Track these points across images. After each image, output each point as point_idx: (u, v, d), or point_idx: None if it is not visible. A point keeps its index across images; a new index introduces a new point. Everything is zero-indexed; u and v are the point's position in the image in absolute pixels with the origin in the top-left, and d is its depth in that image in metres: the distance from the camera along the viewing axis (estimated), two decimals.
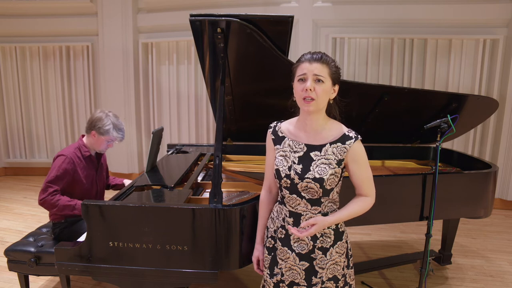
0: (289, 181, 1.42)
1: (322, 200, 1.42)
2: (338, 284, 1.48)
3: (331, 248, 1.45)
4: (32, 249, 2.27)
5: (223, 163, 2.86)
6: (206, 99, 5.16)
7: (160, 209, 1.76)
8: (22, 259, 2.25)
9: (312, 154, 1.42)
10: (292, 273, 1.47)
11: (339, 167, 1.40)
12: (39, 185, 5.30)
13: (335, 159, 1.40)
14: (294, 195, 1.43)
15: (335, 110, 1.48)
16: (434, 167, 2.22)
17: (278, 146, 1.49)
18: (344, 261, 1.50)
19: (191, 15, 1.92)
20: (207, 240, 1.74)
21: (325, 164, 1.39)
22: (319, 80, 1.34)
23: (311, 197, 1.41)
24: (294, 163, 1.42)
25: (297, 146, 1.44)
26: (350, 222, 1.61)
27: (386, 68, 4.61)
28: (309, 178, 1.38)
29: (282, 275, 1.49)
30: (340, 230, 1.48)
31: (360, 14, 4.49)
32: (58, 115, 5.67)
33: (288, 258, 1.47)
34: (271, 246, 1.54)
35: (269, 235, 1.56)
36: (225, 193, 2.23)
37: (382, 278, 2.81)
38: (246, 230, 1.80)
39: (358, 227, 3.55)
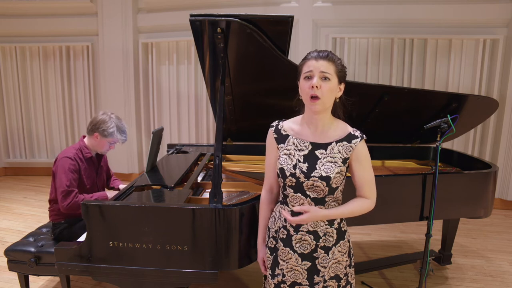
0: (294, 180, 1.41)
1: (327, 199, 1.41)
2: (340, 283, 1.48)
3: (334, 247, 1.45)
4: (32, 249, 2.26)
5: (223, 163, 2.86)
6: (206, 99, 5.16)
7: (160, 209, 1.76)
8: (22, 259, 2.25)
9: (317, 152, 1.41)
10: (294, 273, 1.47)
11: (344, 165, 1.41)
12: (39, 185, 5.31)
13: (340, 157, 1.40)
14: (299, 194, 1.42)
15: (340, 110, 1.47)
16: (434, 167, 2.22)
17: (281, 145, 1.47)
18: (347, 260, 1.50)
19: (191, 15, 1.92)
20: (207, 240, 1.73)
21: (331, 162, 1.39)
22: (325, 78, 1.34)
23: (316, 195, 1.40)
24: (300, 161, 1.41)
25: (302, 144, 1.44)
26: (350, 222, 1.60)
27: (386, 68, 4.61)
28: (315, 176, 1.37)
29: (284, 275, 1.48)
30: (343, 229, 1.48)
31: (360, 14, 4.49)
32: (58, 115, 5.67)
33: (290, 258, 1.46)
34: (272, 246, 1.54)
35: (270, 235, 1.56)
36: (225, 193, 2.23)
37: (382, 278, 2.81)
38: (246, 230, 1.80)
39: (358, 227, 3.55)
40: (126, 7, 5.10)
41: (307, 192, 1.40)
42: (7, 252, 2.29)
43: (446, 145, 4.04)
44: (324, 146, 1.41)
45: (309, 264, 1.45)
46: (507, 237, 3.67)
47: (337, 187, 1.42)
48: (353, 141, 1.41)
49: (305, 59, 1.40)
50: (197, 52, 2.16)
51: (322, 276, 1.45)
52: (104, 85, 5.38)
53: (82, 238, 1.95)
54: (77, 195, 2.28)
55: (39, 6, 5.26)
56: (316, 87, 1.33)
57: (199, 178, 2.56)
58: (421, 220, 2.38)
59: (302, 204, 1.42)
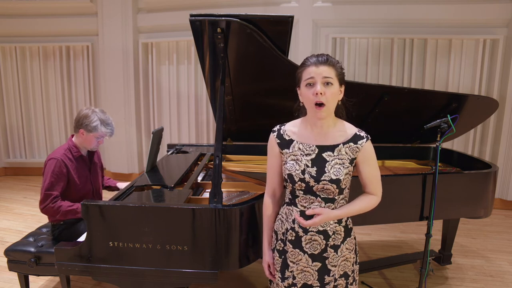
0: (304, 185, 1.41)
1: (336, 197, 1.43)
2: (348, 280, 1.50)
3: (342, 244, 1.46)
4: (32, 249, 2.26)
5: (223, 163, 2.86)
6: (206, 99, 5.16)
7: (160, 209, 1.76)
8: (22, 259, 2.25)
9: (324, 155, 1.41)
10: (304, 275, 1.46)
11: (351, 165, 1.43)
12: (39, 185, 5.30)
13: (348, 158, 1.41)
14: (309, 195, 1.43)
15: (342, 111, 1.48)
16: (434, 167, 2.22)
17: (286, 150, 1.47)
18: (353, 257, 1.52)
19: (191, 15, 1.92)
20: (207, 240, 1.73)
21: (339, 164, 1.40)
22: (328, 83, 1.35)
23: (326, 196, 1.41)
24: (308, 166, 1.41)
25: (308, 148, 1.43)
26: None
27: (386, 68, 4.61)
28: (325, 180, 1.38)
29: (294, 278, 1.48)
30: (349, 226, 1.50)
31: (360, 14, 4.49)
32: (58, 115, 5.67)
33: (300, 260, 1.46)
34: (281, 248, 1.53)
35: (278, 238, 1.55)
36: (225, 193, 2.23)
37: (382, 278, 2.81)
38: (246, 230, 1.80)
39: (358, 227, 3.51)
40: (126, 7, 5.10)
41: (317, 193, 1.42)
42: (7, 252, 2.29)
43: (446, 145, 4.04)
44: (331, 148, 1.42)
45: (319, 265, 1.45)
46: (507, 237, 3.67)
47: (346, 187, 1.44)
48: (359, 142, 1.42)
49: (304, 65, 1.39)
50: (197, 52, 2.16)
51: (332, 275, 1.46)
52: (104, 85, 5.38)
53: (82, 238, 1.95)
54: (54, 200, 2.22)
55: (39, 6, 5.26)
56: (321, 93, 1.33)
57: (199, 178, 2.56)
58: (421, 220, 2.39)
59: (312, 203, 1.42)
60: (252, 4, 4.71)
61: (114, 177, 5.09)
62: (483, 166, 2.69)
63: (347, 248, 1.48)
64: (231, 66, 2.17)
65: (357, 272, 1.57)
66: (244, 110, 2.68)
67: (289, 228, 1.49)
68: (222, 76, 2.10)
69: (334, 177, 1.38)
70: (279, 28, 2.03)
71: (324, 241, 1.44)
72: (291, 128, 1.50)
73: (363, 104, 2.63)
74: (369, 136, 1.45)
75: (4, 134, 5.72)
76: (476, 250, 3.35)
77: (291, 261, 1.48)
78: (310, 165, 1.41)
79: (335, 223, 1.44)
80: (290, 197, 1.49)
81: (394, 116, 2.80)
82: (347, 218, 1.50)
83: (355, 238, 1.54)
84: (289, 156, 1.45)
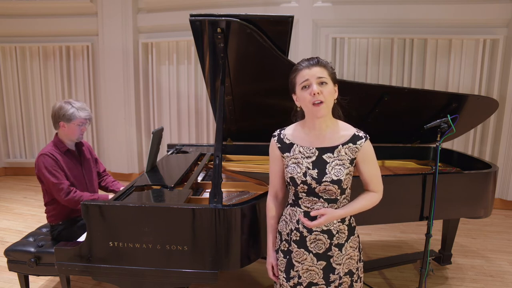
0: (306, 187, 1.44)
1: (339, 197, 1.45)
2: (353, 278, 1.52)
3: (346, 243, 1.48)
4: (32, 249, 2.27)
5: (223, 163, 2.86)
6: (206, 99, 5.16)
7: (160, 209, 1.76)
8: (22, 259, 2.25)
9: (324, 156, 1.43)
10: (309, 274, 1.48)
11: (351, 165, 1.45)
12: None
13: (348, 159, 1.43)
14: (311, 197, 1.45)
15: (338, 111, 1.50)
16: (434, 167, 2.22)
17: (287, 154, 1.50)
18: (358, 255, 1.54)
19: (191, 15, 1.92)
20: (207, 240, 1.73)
21: (339, 165, 1.42)
22: (322, 83, 1.38)
23: (329, 197, 1.44)
24: (309, 168, 1.43)
25: (308, 151, 1.46)
26: None
27: (386, 68, 4.61)
28: (327, 181, 1.40)
29: (299, 277, 1.50)
30: (352, 225, 1.52)
31: (360, 14, 4.49)
32: None
33: (305, 259, 1.48)
34: (285, 249, 1.55)
35: (282, 239, 1.57)
36: (225, 193, 2.23)
37: (382, 278, 2.81)
38: (246, 230, 1.80)
39: (358, 227, 3.52)
40: (126, 7, 5.10)
41: (320, 194, 1.44)
42: (7, 252, 2.29)
43: (446, 145, 4.04)
44: (331, 149, 1.44)
45: (324, 263, 1.47)
46: (507, 237, 3.67)
47: (347, 187, 1.47)
48: (358, 142, 1.44)
49: (296, 70, 1.44)
50: (197, 52, 2.16)
51: (337, 274, 1.47)
52: (104, 85, 5.38)
53: (82, 238, 1.95)
54: (70, 189, 2.29)
55: (39, 6, 5.26)
56: (318, 93, 1.36)
57: (199, 178, 2.56)
58: (421, 220, 2.38)
59: (315, 204, 1.45)
60: (252, 4, 4.71)
61: (113, 177, 5.08)
62: (483, 166, 2.69)
63: (351, 247, 1.50)
64: (231, 66, 2.17)
65: (362, 270, 1.59)
66: (244, 110, 2.68)
67: (293, 228, 1.51)
68: (222, 76, 2.10)
69: (335, 178, 1.40)
70: (279, 28, 2.03)
71: (329, 240, 1.46)
72: (290, 132, 1.53)
73: (363, 104, 2.64)
74: (367, 135, 1.47)
75: (4, 134, 5.72)
76: (476, 250, 3.35)
77: (296, 261, 1.50)
78: (311, 167, 1.43)
79: (338, 222, 1.46)
80: (293, 198, 1.52)
81: (394, 116, 2.79)
82: (350, 217, 1.52)
83: (358, 236, 1.56)
84: (290, 160, 1.48)
